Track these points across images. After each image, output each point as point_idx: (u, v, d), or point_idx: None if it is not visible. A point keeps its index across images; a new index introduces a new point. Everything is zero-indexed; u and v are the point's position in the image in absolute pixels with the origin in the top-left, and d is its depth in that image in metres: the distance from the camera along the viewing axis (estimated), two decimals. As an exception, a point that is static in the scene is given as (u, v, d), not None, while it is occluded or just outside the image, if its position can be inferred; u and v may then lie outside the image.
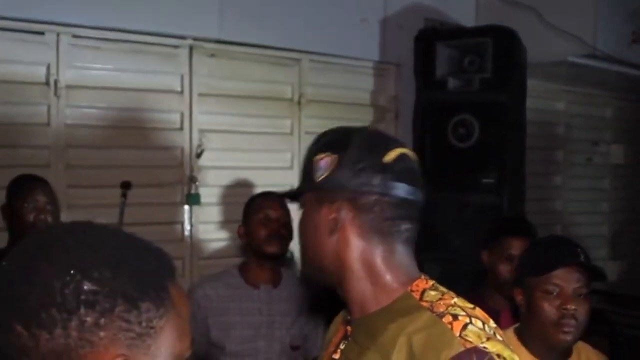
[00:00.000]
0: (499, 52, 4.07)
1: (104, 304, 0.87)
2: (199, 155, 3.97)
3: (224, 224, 3.94)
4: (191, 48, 3.98)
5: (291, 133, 4.38)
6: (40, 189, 2.95)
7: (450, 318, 1.30)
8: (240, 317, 2.93)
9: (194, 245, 3.98)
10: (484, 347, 1.25)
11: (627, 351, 4.59)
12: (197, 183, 3.94)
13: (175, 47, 3.95)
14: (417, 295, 1.38)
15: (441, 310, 1.33)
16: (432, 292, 1.38)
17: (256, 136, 4.23)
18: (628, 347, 4.69)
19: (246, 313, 2.95)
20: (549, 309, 2.11)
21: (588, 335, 4.93)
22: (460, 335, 1.27)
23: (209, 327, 2.92)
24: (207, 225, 4.03)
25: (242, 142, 4.18)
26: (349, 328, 1.44)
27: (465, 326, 1.29)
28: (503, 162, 4.13)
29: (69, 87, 3.63)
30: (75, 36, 3.65)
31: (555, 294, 2.11)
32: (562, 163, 6.03)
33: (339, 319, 1.56)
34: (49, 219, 2.91)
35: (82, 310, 0.86)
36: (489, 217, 3.89)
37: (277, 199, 3.01)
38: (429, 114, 4.29)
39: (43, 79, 3.59)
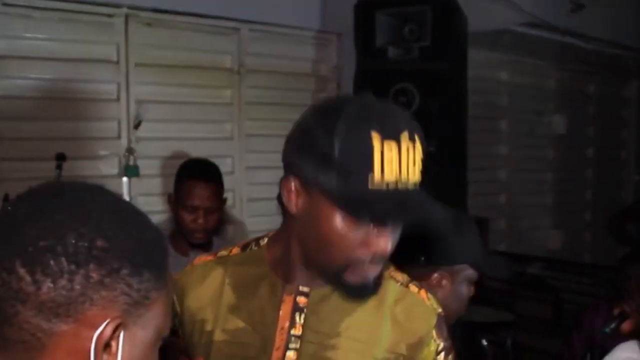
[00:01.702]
0: (438, 20, 4.05)
1: (112, 264, 0.86)
2: (136, 127, 3.90)
3: (164, 195, 3.88)
4: (127, 17, 3.90)
5: (231, 103, 4.33)
6: None
7: (414, 287, 1.46)
8: None
9: (133, 217, 3.92)
10: (441, 312, 1.47)
11: (569, 317, 4.68)
12: (135, 155, 3.88)
13: (110, 15, 3.86)
14: None
15: (400, 278, 1.46)
16: None
17: (195, 106, 4.18)
18: (571, 313, 4.78)
19: None
20: None
21: (531, 301, 5.01)
22: (430, 304, 1.45)
23: None
24: (146, 198, 3.97)
25: (181, 113, 4.13)
26: (302, 300, 1.39)
27: (426, 293, 1.47)
28: (444, 131, 4.13)
29: (-1, 57, 3.53)
30: (5, 4, 3.54)
31: None
32: (506, 133, 6.08)
33: (229, 294, 1.46)
34: None
35: (91, 266, 0.85)
36: (430, 186, 3.89)
37: (207, 182, 2.95)
38: (370, 83, 4.25)
39: (-29, 49, 3.49)
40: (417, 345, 1.40)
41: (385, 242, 1.28)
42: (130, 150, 3.87)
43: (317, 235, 1.30)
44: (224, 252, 1.53)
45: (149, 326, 0.92)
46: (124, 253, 0.88)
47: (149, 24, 3.98)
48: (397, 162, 1.22)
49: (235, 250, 1.53)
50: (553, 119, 6.53)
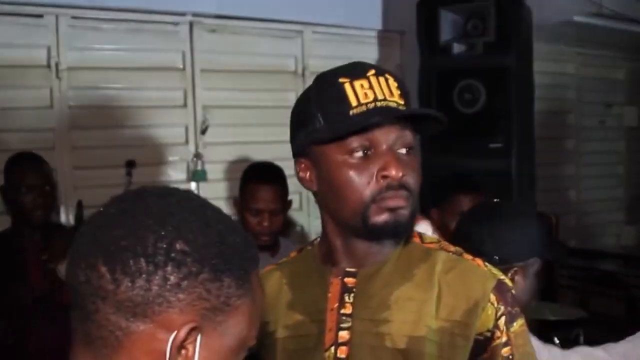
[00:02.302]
0: (501, 15, 4.01)
1: (190, 267, 0.87)
2: (203, 132, 3.96)
3: (231, 199, 3.92)
4: (191, 24, 3.96)
5: (296, 106, 4.35)
6: (32, 172, 2.93)
7: (468, 256, 1.43)
8: None
9: (202, 222, 3.98)
10: (503, 279, 1.40)
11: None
12: (202, 159, 3.93)
13: (175, 24, 3.93)
14: (417, 240, 1.46)
15: (452, 249, 1.44)
16: (429, 235, 1.51)
17: (260, 110, 4.21)
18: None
19: None
20: None
21: (604, 298, 4.91)
22: (488, 269, 1.40)
23: None
24: (214, 201, 3.96)
25: (247, 117, 4.17)
26: (350, 280, 1.40)
27: (484, 262, 1.42)
28: (510, 126, 4.07)
29: (70, 68, 3.63)
30: (74, 17, 3.64)
31: None
32: (574, 127, 5.96)
33: (283, 274, 1.52)
34: (45, 201, 2.90)
35: (169, 268, 0.86)
36: (497, 182, 3.86)
37: (270, 186, 3.01)
38: (434, 81, 4.23)
39: (44, 62, 3.60)
40: (472, 310, 1.33)
41: (392, 164, 1.29)
42: (197, 155, 3.93)
43: (334, 190, 1.34)
44: (284, 259, 1.60)
45: (229, 334, 0.92)
46: (204, 257, 0.88)
47: (213, 30, 4.04)
48: (370, 89, 1.30)
49: (293, 253, 1.59)
50: (624, 111, 6.38)
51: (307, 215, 4.32)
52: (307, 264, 1.50)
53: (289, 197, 3.21)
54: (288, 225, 3.62)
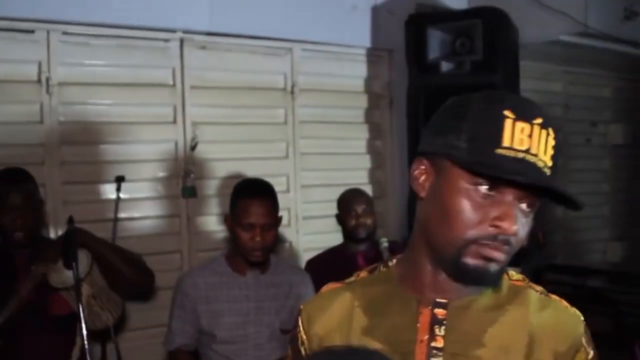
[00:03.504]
0: (489, 33, 4.06)
1: None
2: (193, 148, 3.98)
3: (221, 215, 3.94)
4: (182, 41, 3.98)
5: (285, 122, 4.38)
6: (14, 191, 2.85)
7: (555, 297, 1.40)
8: (228, 305, 2.96)
9: (191, 237, 3.99)
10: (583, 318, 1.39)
11: (631, 331, 4.59)
12: (192, 176, 3.95)
13: (166, 40, 3.96)
14: (505, 276, 1.41)
15: (539, 289, 1.42)
16: (514, 272, 1.44)
17: (250, 127, 4.24)
18: (631, 327, 4.69)
19: (233, 300, 2.98)
20: None
21: (591, 315, 4.91)
22: (574, 311, 1.39)
23: (199, 315, 2.95)
24: (204, 218, 4.05)
25: (236, 134, 4.19)
26: (440, 311, 1.34)
27: (567, 302, 1.41)
28: (498, 144, 4.11)
29: (60, 84, 3.64)
30: (65, 33, 3.66)
31: None
32: (561, 144, 5.99)
33: (362, 304, 1.42)
34: (25, 222, 2.86)
35: None
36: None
37: (262, 201, 2.98)
38: (423, 99, 4.27)
39: (35, 77, 3.61)
40: (566, 353, 1.32)
41: (510, 217, 1.23)
42: (187, 172, 3.94)
43: (441, 209, 1.28)
44: (351, 278, 1.50)
45: None
46: None
47: (203, 47, 4.07)
48: (528, 138, 1.21)
49: (363, 274, 1.49)
50: (609, 129, 6.43)
51: (295, 231, 4.34)
52: (384, 287, 1.41)
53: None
54: (276, 242, 3.63)
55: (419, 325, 1.33)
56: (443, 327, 1.32)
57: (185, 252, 3.97)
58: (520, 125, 1.21)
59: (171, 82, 3.98)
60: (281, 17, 4.24)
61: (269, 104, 4.34)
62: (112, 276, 2.99)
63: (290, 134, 4.38)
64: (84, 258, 2.83)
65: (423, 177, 1.32)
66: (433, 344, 1.31)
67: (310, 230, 4.37)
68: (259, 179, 3.25)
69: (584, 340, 1.35)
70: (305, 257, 4.13)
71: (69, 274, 2.72)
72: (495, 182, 1.23)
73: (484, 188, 1.23)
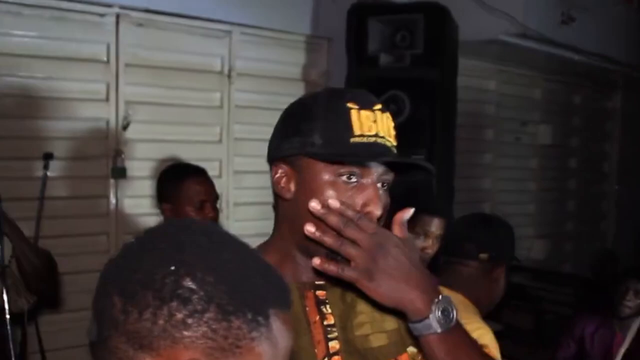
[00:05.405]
0: (430, 28, 4.07)
1: (196, 305, 0.87)
2: (125, 128, 3.87)
3: (151, 198, 3.84)
4: (118, 16, 3.85)
5: (221, 106, 4.30)
6: None
7: None
8: None
9: (119, 219, 3.88)
10: None
11: (552, 327, 4.70)
12: (123, 156, 3.84)
13: (102, 15, 3.82)
14: None
15: None
16: None
17: (185, 109, 4.15)
18: (553, 322, 4.81)
19: None
20: None
21: (514, 311, 5.02)
22: None
23: None
24: (133, 200, 3.94)
25: (171, 115, 4.09)
26: (321, 292, 1.41)
27: None
28: (433, 138, 4.14)
29: (-13, 54, 3.49)
30: (-5, 1, 3.50)
31: None
32: (492, 142, 6.10)
33: None
34: None
35: (174, 304, 0.86)
36: (419, 193, 3.90)
37: (206, 178, 3.04)
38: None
39: (-39, 46, 3.44)
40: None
41: (376, 201, 1.32)
42: (118, 152, 3.83)
43: (307, 208, 1.33)
44: None
45: None
46: (211, 297, 0.88)
47: (140, 25, 3.94)
48: (374, 123, 1.33)
49: None
50: (538, 129, 6.57)
51: (226, 217, 4.27)
52: None
53: None
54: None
55: (307, 309, 1.40)
56: (328, 306, 1.41)
57: (113, 235, 3.85)
58: (364, 113, 1.32)
59: (105, 59, 3.85)
60: (221, -1, 4.16)
61: (205, 86, 4.25)
62: (24, 270, 2.89)
63: (225, 119, 4.30)
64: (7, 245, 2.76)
65: (284, 180, 1.38)
66: (325, 323, 1.39)
67: (241, 216, 4.31)
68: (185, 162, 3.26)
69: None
70: (235, 244, 4.08)
71: None
72: (356, 169, 1.32)
73: (346, 177, 1.32)
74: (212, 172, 3.38)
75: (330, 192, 1.32)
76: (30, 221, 3.25)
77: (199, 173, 3.06)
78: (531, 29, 4.57)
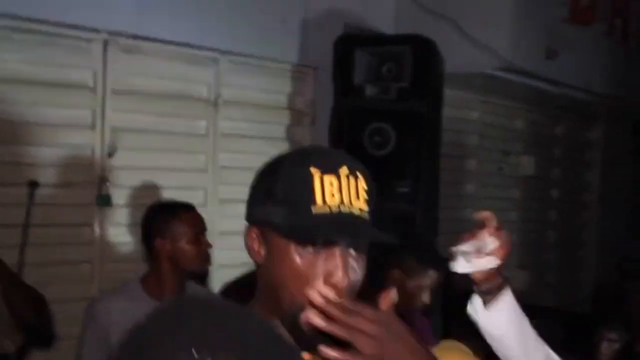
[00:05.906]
0: (417, 61, 4.10)
1: None
2: (110, 155, 3.83)
3: (136, 226, 3.81)
4: (105, 42, 3.84)
5: (206, 134, 4.29)
6: None
7: None
8: None
9: (103, 248, 3.84)
10: None
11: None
12: (108, 184, 3.80)
13: (89, 40, 3.80)
14: None
15: None
16: None
17: (170, 136, 4.13)
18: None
19: None
20: None
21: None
22: None
23: (111, 343, 2.82)
24: (118, 228, 3.90)
25: (156, 143, 4.06)
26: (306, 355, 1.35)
27: None
28: (418, 171, 4.15)
29: (-28, 79, 3.45)
30: (-20, 25, 3.47)
31: None
32: (474, 172, 6.12)
33: None
34: None
35: None
36: (403, 226, 3.91)
37: (195, 211, 3.12)
38: (346, 120, 4.27)
39: (-55, 69, 3.41)
40: None
41: (339, 268, 1.27)
42: (103, 179, 3.80)
43: (277, 276, 1.31)
44: None
45: None
46: None
47: (128, 51, 3.93)
48: (338, 190, 1.27)
49: None
50: (520, 160, 6.60)
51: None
52: None
53: None
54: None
55: None
56: None
57: (97, 263, 3.81)
58: (328, 179, 1.27)
59: (92, 85, 3.83)
60: (209, 26, 4.16)
61: (191, 114, 4.23)
62: (11, 311, 2.85)
63: (211, 147, 4.29)
64: None
65: (256, 244, 1.35)
66: None
67: (226, 246, 4.28)
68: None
69: None
70: (219, 273, 4.05)
71: None
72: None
73: (311, 248, 1.27)
74: (196, 201, 3.38)
75: (294, 264, 1.28)
76: (14, 249, 3.22)
77: (188, 207, 3.10)
78: (516, 64, 4.62)
